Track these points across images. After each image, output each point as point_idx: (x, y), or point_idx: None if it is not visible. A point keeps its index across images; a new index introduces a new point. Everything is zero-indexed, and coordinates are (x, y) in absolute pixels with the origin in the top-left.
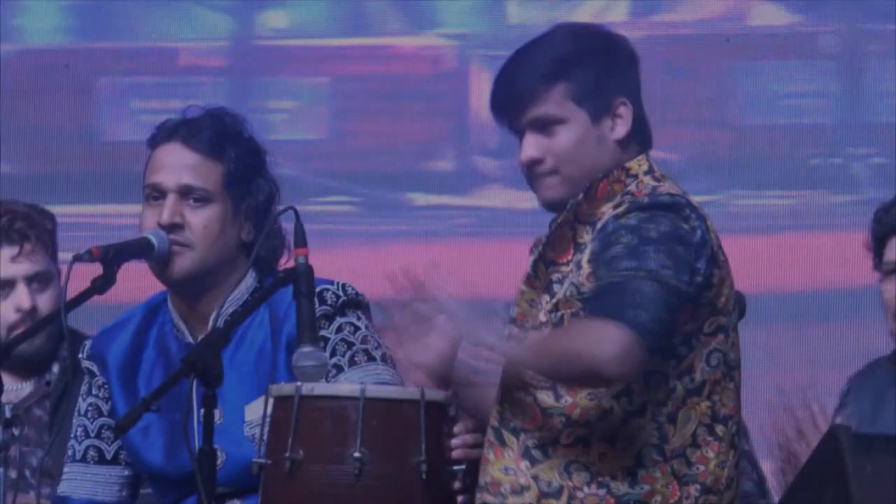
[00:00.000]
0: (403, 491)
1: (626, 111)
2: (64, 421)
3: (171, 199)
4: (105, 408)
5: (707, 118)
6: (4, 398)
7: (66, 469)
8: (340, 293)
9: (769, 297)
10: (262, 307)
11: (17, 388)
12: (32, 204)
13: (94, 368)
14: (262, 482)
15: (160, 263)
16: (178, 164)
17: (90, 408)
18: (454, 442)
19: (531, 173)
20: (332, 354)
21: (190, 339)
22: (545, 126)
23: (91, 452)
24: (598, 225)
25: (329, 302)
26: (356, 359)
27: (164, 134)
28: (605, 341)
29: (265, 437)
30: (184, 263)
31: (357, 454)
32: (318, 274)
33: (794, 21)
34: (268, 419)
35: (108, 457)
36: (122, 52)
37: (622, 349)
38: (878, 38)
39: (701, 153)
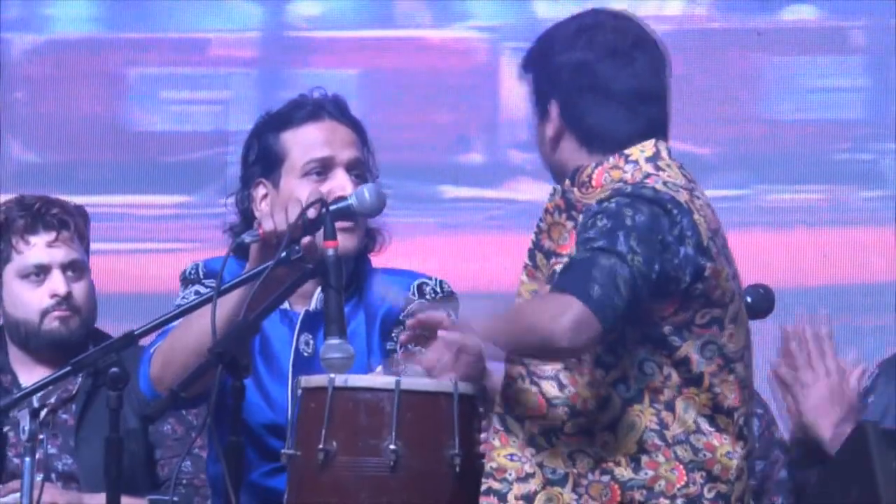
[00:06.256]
0: (437, 483)
1: (552, 113)
2: (91, 426)
3: (340, 172)
4: None
5: (736, 113)
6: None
7: None
8: (438, 289)
9: (797, 291)
10: (353, 293)
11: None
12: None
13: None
14: (291, 473)
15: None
16: (344, 140)
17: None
18: (481, 437)
19: None
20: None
21: (288, 308)
22: None
23: None
24: None
25: (428, 295)
26: None
27: (305, 113)
28: (559, 314)
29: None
30: (350, 242)
31: (392, 446)
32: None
33: (824, 16)
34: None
35: None
36: (153, 43)
37: (575, 322)
38: None
39: (730, 148)
